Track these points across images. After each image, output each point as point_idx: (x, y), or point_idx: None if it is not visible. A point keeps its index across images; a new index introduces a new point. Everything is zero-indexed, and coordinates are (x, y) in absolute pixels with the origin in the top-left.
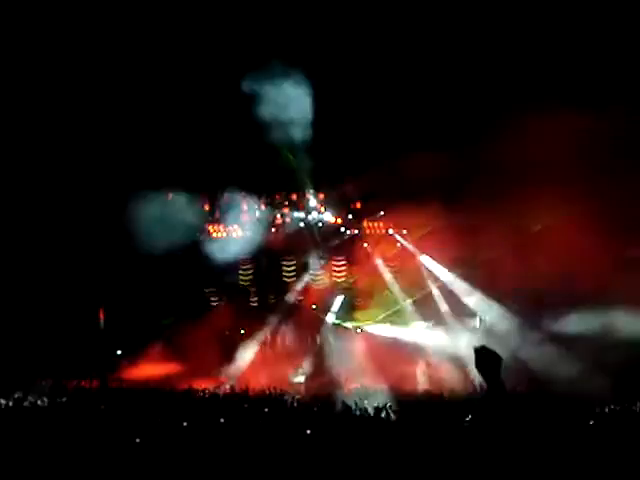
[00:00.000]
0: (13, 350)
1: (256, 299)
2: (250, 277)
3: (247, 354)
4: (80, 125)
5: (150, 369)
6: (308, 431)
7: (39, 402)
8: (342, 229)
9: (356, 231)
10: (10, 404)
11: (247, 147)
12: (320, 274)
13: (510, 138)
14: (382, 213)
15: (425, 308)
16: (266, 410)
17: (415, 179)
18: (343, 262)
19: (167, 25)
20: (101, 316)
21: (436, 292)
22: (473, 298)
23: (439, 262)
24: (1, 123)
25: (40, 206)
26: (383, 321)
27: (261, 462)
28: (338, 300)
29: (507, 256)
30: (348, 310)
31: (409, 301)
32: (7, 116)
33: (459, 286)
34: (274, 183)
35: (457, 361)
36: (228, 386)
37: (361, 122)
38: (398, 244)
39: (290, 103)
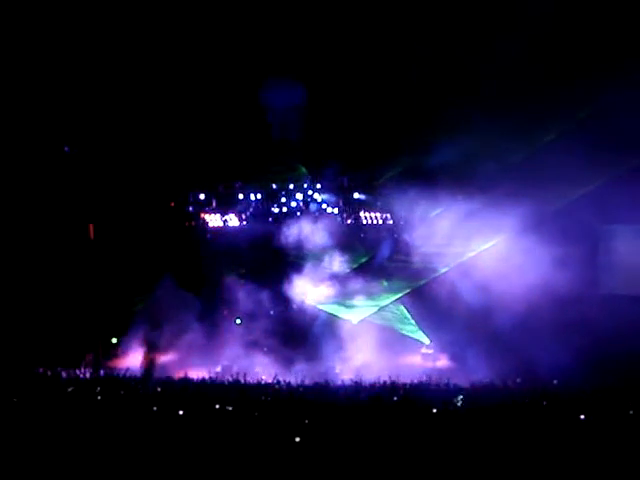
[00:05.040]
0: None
1: (253, 288)
2: (247, 267)
3: (241, 343)
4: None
5: (145, 357)
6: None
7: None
8: (339, 219)
9: (353, 221)
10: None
11: (245, 137)
12: (316, 263)
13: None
14: (380, 203)
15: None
16: (263, 398)
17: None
18: (339, 253)
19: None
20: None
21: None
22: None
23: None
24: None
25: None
26: (377, 314)
27: (258, 450)
28: (334, 290)
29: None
30: (344, 300)
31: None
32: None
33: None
34: (271, 173)
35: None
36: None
37: (360, 109)
38: (395, 235)
39: (287, 95)
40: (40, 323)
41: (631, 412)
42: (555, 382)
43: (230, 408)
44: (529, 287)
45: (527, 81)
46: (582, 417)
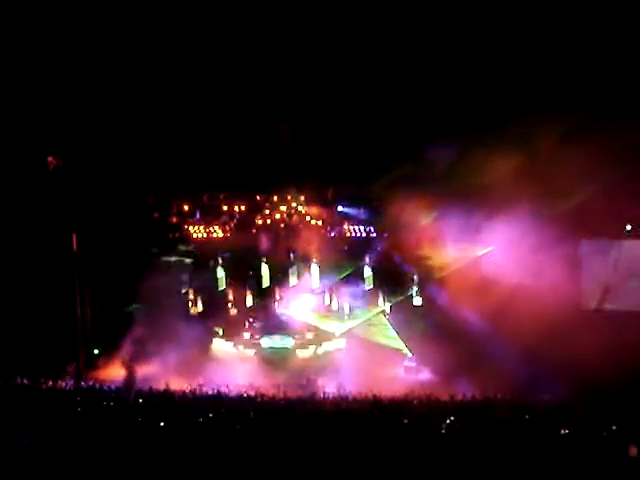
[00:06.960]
0: None
1: (233, 299)
2: (228, 278)
3: (223, 355)
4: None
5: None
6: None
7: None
8: (323, 231)
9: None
10: None
11: (229, 146)
12: (300, 275)
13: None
14: (364, 215)
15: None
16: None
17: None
18: (323, 265)
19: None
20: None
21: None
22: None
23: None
24: None
25: None
26: (361, 326)
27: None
28: (317, 302)
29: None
30: (327, 312)
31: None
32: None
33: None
34: (255, 183)
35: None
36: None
37: (345, 121)
38: (380, 247)
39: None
40: (21, 333)
41: (613, 428)
42: (541, 397)
43: (211, 421)
44: (513, 300)
45: (516, 86)
46: (563, 432)
